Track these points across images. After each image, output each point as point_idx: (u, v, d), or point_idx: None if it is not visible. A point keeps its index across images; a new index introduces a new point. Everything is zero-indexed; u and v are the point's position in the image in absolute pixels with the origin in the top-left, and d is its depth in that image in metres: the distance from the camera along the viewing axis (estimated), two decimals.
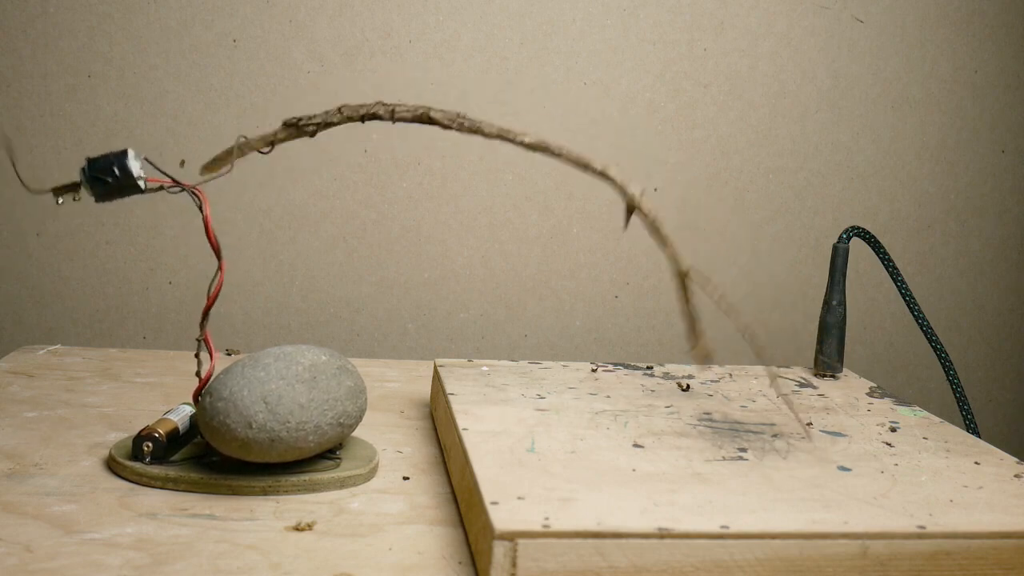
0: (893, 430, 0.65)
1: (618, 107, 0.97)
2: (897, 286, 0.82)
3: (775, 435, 0.62)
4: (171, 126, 0.91)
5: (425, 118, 0.57)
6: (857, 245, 0.87)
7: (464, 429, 0.59)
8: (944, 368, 0.81)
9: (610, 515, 0.48)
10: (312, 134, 0.57)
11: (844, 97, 1.00)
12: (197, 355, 0.57)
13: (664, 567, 0.46)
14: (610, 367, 0.77)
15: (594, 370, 0.75)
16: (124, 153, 0.53)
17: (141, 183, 0.54)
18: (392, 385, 0.79)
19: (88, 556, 0.47)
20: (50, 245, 0.92)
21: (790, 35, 0.98)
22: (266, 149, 0.57)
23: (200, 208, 0.55)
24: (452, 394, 0.66)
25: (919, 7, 1.00)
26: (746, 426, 0.63)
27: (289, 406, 0.55)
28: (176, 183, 0.55)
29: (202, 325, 0.56)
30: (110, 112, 0.90)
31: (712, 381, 0.74)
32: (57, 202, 0.55)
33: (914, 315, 0.82)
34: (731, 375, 0.77)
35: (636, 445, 0.58)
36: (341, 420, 0.57)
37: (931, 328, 0.82)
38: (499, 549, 0.45)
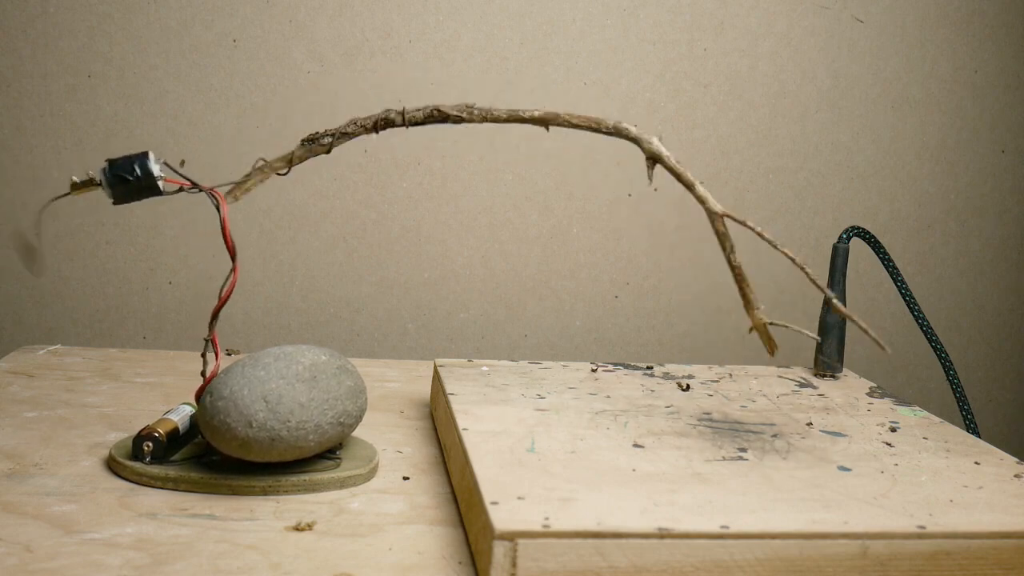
0: (893, 430, 0.65)
1: (618, 107, 0.97)
2: (897, 286, 0.82)
3: (775, 435, 0.62)
4: (171, 126, 0.91)
5: (436, 115, 0.58)
6: (857, 245, 0.87)
7: (464, 429, 0.59)
8: (944, 368, 0.81)
9: (610, 515, 0.48)
10: (328, 149, 0.58)
11: (844, 97, 1.00)
12: (204, 354, 0.57)
13: (664, 567, 0.46)
14: (610, 367, 0.77)
15: (594, 370, 0.75)
16: (145, 155, 0.54)
17: (161, 184, 0.54)
18: (392, 385, 0.79)
19: (88, 556, 0.47)
20: (50, 245, 0.92)
21: (790, 35, 0.98)
22: (284, 170, 0.58)
23: (218, 209, 0.55)
24: (452, 394, 0.66)
25: (919, 7, 1.00)
26: (746, 426, 0.63)
27: (289, 405, 0.55)
28: (195, 185, 0.55)
29: (211, 325, 0.56)
30: (110, 112, 0.90)
31: (712, 381, 0.74)
32: (73, 184, 0.55)
33: (914, 315, 0.82)
34: (731, 375, 0.77)
35: (636, 445, 0.58)
36: (341, 420, 0.57)
37: (931, 328, 0.82)
38: (499, 549, 0.45)
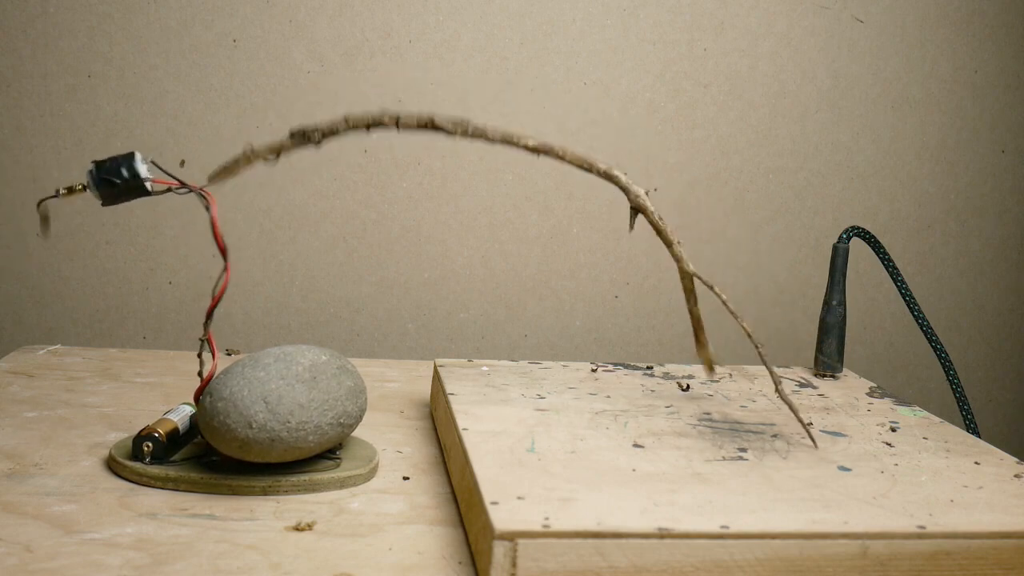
0: (893, 430, 0.65)
1: (618, 107, 0.97)
2: (897, 286, 0.82)
3: (775, 435, 0.62)
4: (171, 126, 0.91)
5: (430, 125, 0.57)
6: (857, 245, 0.87)
7: (464, 429, 0.59)
8: (944, 368, 0.81)
9: (610, 515, 0.48)
10: (318, 143, 0.58)
11: (844, 97, 1.00)
12: (200, 355, 0.57)
13: (664, 567, 0.46)
14: (610, 367, 0.77)
15: (594, 370, 0.75)
16: (131, 155, 0.54)
17: (148, 185, 0.54)
18: (392, 385, 0.79)
19: (88, 556, 0.47)
20: (50, 245, 0.92)
21: (790, 35, 0.98)
22: (272, 158, 0.57)
23: (208, 209, 0.55)
24: (452, 394, 0.66)
25: (919, 7, 1.00)
26: (746, 426, 0.63)
27: (289, 406, 0.55)
28: (183, 184, 0.55)
29: (206, 325, 0.56)
30: (110, 112, 0.90)
31: (712, 381, 0.74)
32: (57, 193, 0.55)
33: (914, 315, 0.82)
34: (731, 375, 0.77)
35: (636, 445, 0.58)
36: (341, 420, 0.57)
37: (931, 328, 0.82)
38: (499, 549, 0.45)
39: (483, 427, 0.60)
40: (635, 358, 1.01)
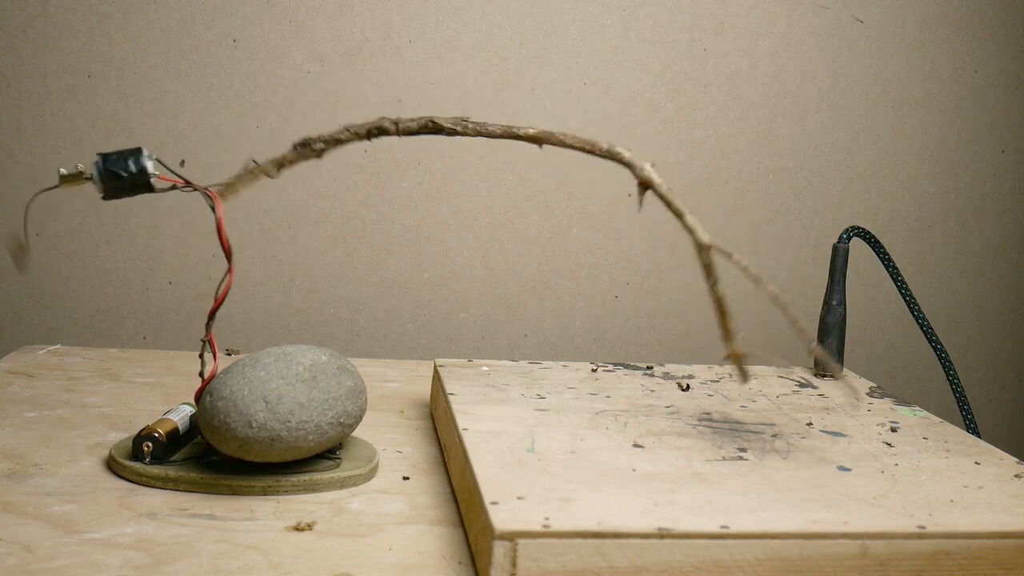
0: (893, 430, 0.65)
1: (618, 107, 0.97)
2: (897, 286, 0.82)
3: (775, 435, 0.62)
4: (171, 126, 0.91)
5: (430, 126, 0.58)
6: (857, 245, 0.87)
7: (464, 429, 0.59)
8: (944, 368, 0.81)
9: (610, 515, 0.48)
10: (320, 154, 0.58)
11: (844, 97, 1.00)
12: (201, 355, 0.57)
13: (664, 567, 0.46)
14: (610, 367, 0.77)
15: (594, 370, 0.75)
16: (138, 150, 0.53)
17: (154, 181, 0.54)
18: (392, 385, 0.79)
19: (88, 556, 0.47)
20: (50, 245, 0.92)
21: (790, 35, 0.98)
22: (275, 173, 0.57)
23: (213, 209, 0.55)
24: (452, 394, 0.66)
25: (919, 7, 1.00)
26: (746, 426, 0.63)
27: (289, 406, 0.55)
28: (188, 183, 0.55)
29: (208, 326, 0.56)
30: (110, 112, 0.90)
31: (712, 381, 0.74)
32: (59, 179, 0.54)
33: (914, 315, 0.82)
34: (731, 375, 0.77)
35: (636, 445, 0.58)
36: (341, 420, 0.57)
37: (931, 328, 0.82)
38: (499, 549, 0.45)
39: (483, 427, 0.60)
40: (635, 358, 1.01)
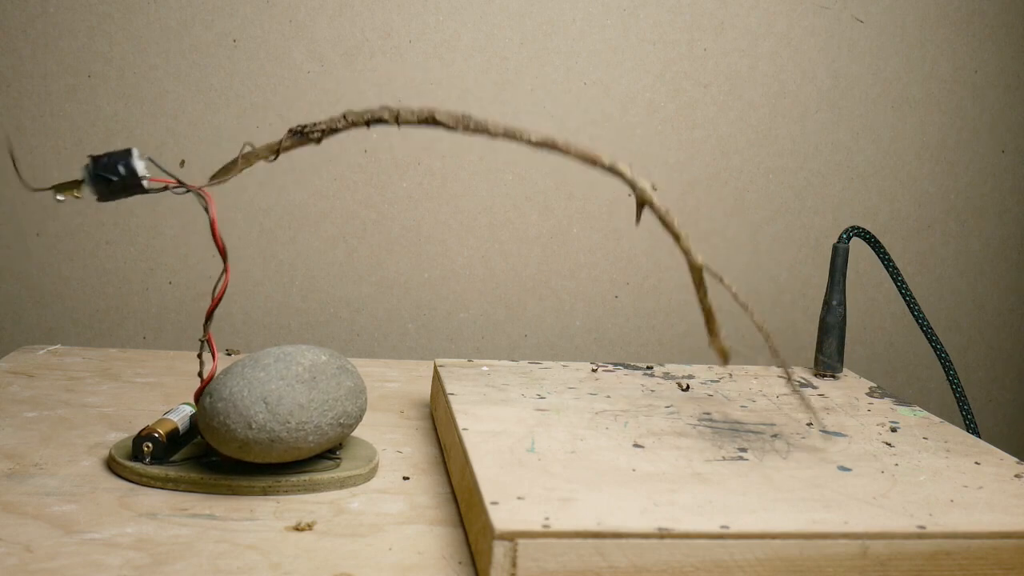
0: (893, 430, 0.65)
1: (618, 107, 0.97)
2: (897, 286, 0.82)
3: (775, 435, 0.62)
4: (171, 126, 0.91)
5: (430, 120, 0.57)
6: (857, 245, 0.87)
7: (464, 429, 0.59)
8: (944, 368, 0.81)
9: (610, 515, 0.48)
10: (318, 141, 0.57)
11: (844, 97, 1.00)
12: (200, 355, 0.57)
13: (664, 567, 0.46)
14: (610, 367, 0.77)
15: (594, 370, 0.75)
16: (128, 152, 0.53)
17: (145, 183, 0.54)
18: (392, 385, 0.79)
19: (88, 556, 0.47)
20: (50, 245, 0.92)
21: (790, 35, 0.98)
22: (271, 158, 0.57)
23: (206, 210, 0.55)
24: (452, 394, 0.66)
25: (919, 7, 1.00)
26: (746, 426, 0.63)
27: (289, 406, 0.55)
28: (181, 184, 0.54)
29: (206, 326, 0.56)
30: (110, 112, 0.90)
31: (712, 381, 0.74)
32: (56, 199, 0.54)
33: (914, 315, 0.82)
34: (731, 375, 0.77)
35: (636, 445, 0.58)
36: (341, 420, 0.57)
37: (931, 328, 0.82)
38: (499, 549, 0.45)
39: (483, 427, 0.60)
40: (635, 358, 1.01)
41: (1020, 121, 1.04)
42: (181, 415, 0.60)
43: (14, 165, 0.55)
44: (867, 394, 0.74)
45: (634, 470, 0.54)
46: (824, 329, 0.79)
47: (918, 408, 0.71)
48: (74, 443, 0.62)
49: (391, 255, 0.96)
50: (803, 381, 0.77)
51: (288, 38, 0.91)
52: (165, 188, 0.54)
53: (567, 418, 0.63)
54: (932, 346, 0.81)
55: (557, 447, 0.57)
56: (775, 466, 0.56)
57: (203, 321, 0.56)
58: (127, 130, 0.91)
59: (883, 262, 0.81)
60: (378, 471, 0.60)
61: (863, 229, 0.80)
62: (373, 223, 0.95)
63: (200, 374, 0.57)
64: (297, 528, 0.51)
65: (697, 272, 0.60)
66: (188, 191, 0.55)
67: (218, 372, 0.57)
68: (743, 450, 0.59)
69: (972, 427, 0.80)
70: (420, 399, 0.76)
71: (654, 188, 0.59)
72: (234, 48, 0.91)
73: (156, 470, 0.56)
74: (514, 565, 0.45)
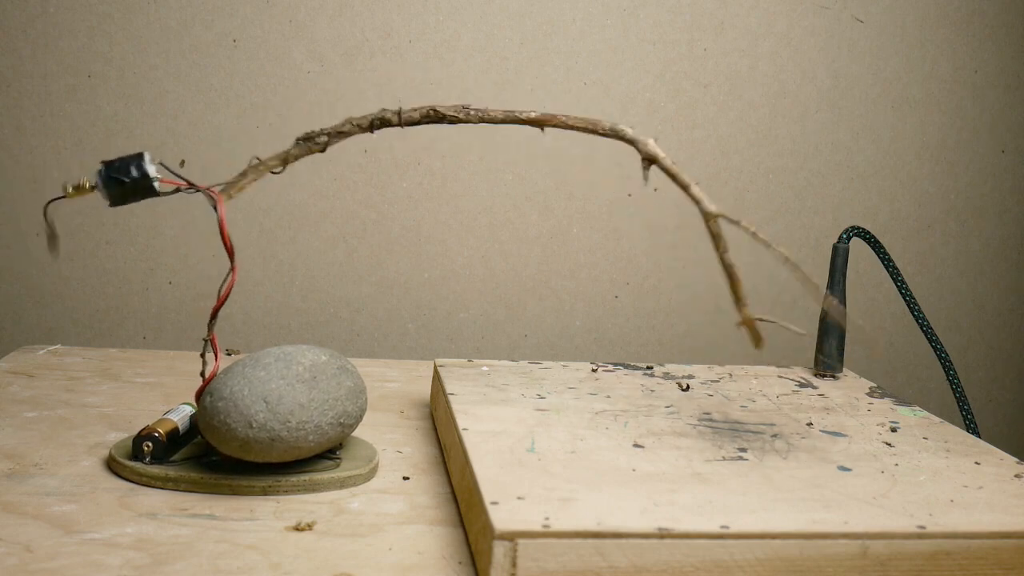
0: (893, 430, 0.65)
1: (618, 107, 0.97)
2: (897, 286, 0.82)
3: (775, 435, 0.62)
4: (171, 126, 0.91)
5: (433, 115, 0.58)
6: (857, 245, 0.86)
7: (464, 429, 0.59)
8: (944, 368, 0.81)
9: (610, 515, 0.48)
10: (324, 148, 0.58)
11: (844, 97, 1.00)
12: (203, 355, 0.57)
13: (664, 567, 0.46)
14: (610, 367, 0.77)
15: (594, 370, 0.75)
16: (140, 156, 0.54)
17: (157, 185, 0.54)
18: (392, 385, 0.79)
19: (88, 556, 0.47)
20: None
21: (790, 35, 0.98)
22: (279, 168, 0.57)
23: (215, 209, 0.55)
24: (452, 394, 0.66)
25: (919, 7, 1.00)
26: (746, 426, 0.63)
27: (289, 406, 0.55)
28: (191, 185, 0.55)
29: (210, 326, 0.56)
30: (110, 112, 0.90)
31: (712, 381, 0.74)
32: (64, 192, 0.54)
33: (914, 315, 0.82)
34: (731, 375, 0.77)
35: (636, 445, 0.58)
36: (341, 420, 0.57)
37: (931, 328, 0.82)
38: (499, 549, 0.45)
39: (483, 427, 0.60)
40: (635, 358, 1.01)
41: (1020, 121, 1.04)
42: (181, 415, 0.60)
43: (49, 231, 0.56)
44: (867, 394, 0.74)
45: (634, 470, 0.54)
46: (824, 329, 0.79)
47: (918, 408, 0.71)
48: (74, 443, 0.62)
49: (391, 255, 0.96)
50: (803, 381, 0.77)
51: (288, 38, 0.91)
52: (177, 190, 0.55)
53: (567, 418, 0.63)
54: (932, 346, 0.81)
55: (557, 447, 0.57)
56: (775, 466, 0.56)
57: (207, 320, 0.56)
58: (127, 130, 0.91)
59: (883, 262, 0.81)
60: (378, 471, 0.60)
61: (863, 229, 0.80)
62: (373, 223, 0.95)
63: (202, 373, 0.57)
64: (297, 528, 0.51)
65: (713, 222, 0.59)
66: (198, 192, 0.55)
67: (219, 372, 0.57)
68: (743, 450, 0.59)
69: (972, 427, 0.80)
70: (420, 399, 0.76)
71: (658, 140, 0.60)
72: (234, 48, 0.91)
73: (156, 470, 0.56)
74: (514, 565, 0.45)
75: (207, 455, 0.58)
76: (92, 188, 0.54)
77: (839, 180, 1.02)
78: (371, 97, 0.93)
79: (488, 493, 0.49)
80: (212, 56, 0.91)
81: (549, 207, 0.97)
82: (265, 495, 0.56)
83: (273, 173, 0.58)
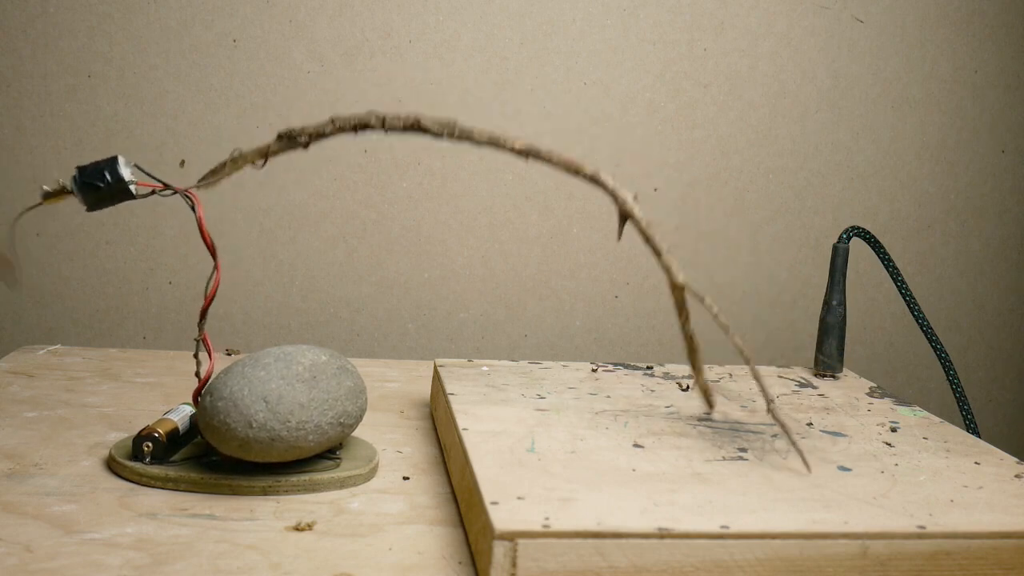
0: (893, 430, 0.65)
1: (618, 107, 0.97)
2: (897, 286, 0.82)
3: (775, 435, 0.62)
4: (171, 126, 0.91)
5: (416, 126, 0.57)
6: (857, 245, 0.87)
7: (464, 429, 0.59)
8: (944, 368, 0.81)
9: (610, 515, 0.48)
10: (305, 146, 0.57)
11: (844, 97, 1.00)
12: (196, 355, 0.57)
13: (664, 567, 0.46)
14: (610, 367, 0.77)
15: (594, 370, 0.75)
16: (114, 160, 0.54)
17: (132, 188, 0.54)
18: (392, 385, 0.79)
19: (88, 556, 0.47)
20: (50, 245, 0.92)
21: (790, 35, 0.98)
22: (260, 162, 0.57)
23: (193, 209, 0.55)
24: (452, 394, 0.66)
25: (919, 7, 1.00)
26: (746, 426, 0.63)
27: (289, 406, 0.55)
28: (167, 187, 0.55)
29: (200, 325, 0.56)
30: (110, 112, 0.90)
31: (712, 381, 0.74)
32: (43, 196, 0.55)
33: (914, 315, 0.82)
34: (731, 375, 0.77)
35: (636, 445, 0.58)
36: (341, 420, 0.57)
37: (931, 328, 0.82)
38: (499, 549, 0.45)
39: (483, 427, 0.60)
40: (635, 358, 1.01)
41: (1020, 121, 1.04)
42: (181, 415, 0.60)
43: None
44: (867, 394, 0.74)
45: (634, 470, 0.54)
46: (824, 329, 0.79)
47: (918, 408, 0.71)
48: (74, 443, 0.62)
49: (391, 255, 0.96)
50: (803, 381, 0.77)
51: (288, 38, 0.91)
52: (152, 192, 0.55)
53: (567, 418, 0.63)
54: (932, 346, 0.81)
55: (557, 447, 0.57)
56: (775, 466, 0.56)
57: (197, 321, 0.56)
58: (127, 130, 0.91)
59: (883, 262, 0.81)
60: (378, 471, 0.60)
61: (863, 229, 0.80)
62: (373, 223, 0.95)
63: (197, 374, 0.57)
64: (297, 528, 0.51)
65: (678, 292, 0.59)
66: (175, 193, 0.55)
67: (219, 372, 0.57)
68: (743, 450, 0.59)
69: (972, 427, 0.80)
70: (420, 399, 0.76)
71: (636, 198, 0.59)
72: (234, 48, 0.91)
73: (156, 470, 0.56)
74: (514, 565, 0.45)
75: (207, 455, 0.58)
76: (69, 193, 0.54)
77: (839, 180, 1.02)
78: (371, 97, 0.93)
79: (488, 493, 0.49)
80: (212, 56, 0.91)
81: (549, 207, 0.98)
82: (265, 495, 0.56)
83: (253, 165, 0.57)
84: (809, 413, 0.68)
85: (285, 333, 0.96)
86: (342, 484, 0.57)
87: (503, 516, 0.47)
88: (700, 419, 0.64)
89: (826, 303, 0.79)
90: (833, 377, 0.79)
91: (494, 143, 0.57)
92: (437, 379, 0.71)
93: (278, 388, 0.55)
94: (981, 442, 0.63)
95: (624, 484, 0.52)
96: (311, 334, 0.96)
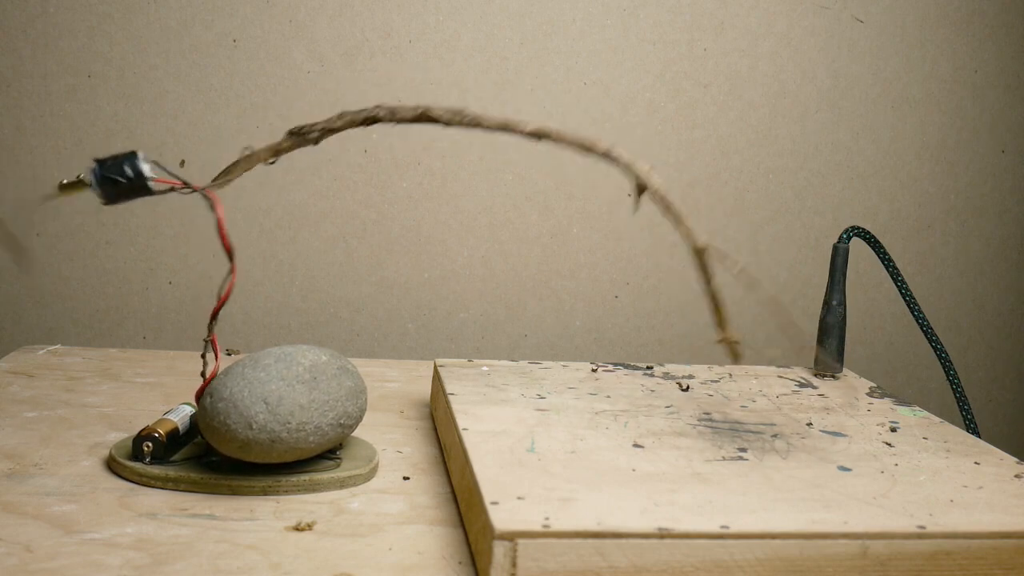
0: (893, 430, 0.65)
1: (618, 107, 0.97)
2: (897, 286, 0.82)
3: (775, 435, 0.62)
4: (171, 126, 0.91)
5: (425, 117, 0.57)
6: (857, 245, 0.87)
7: (464, 429, 0.59)
8: (944, 368, 0.81)
9: (610, 515, 0.48)
10: (316, 141, 0.57)
11: (844, 97, 1.00)
12: (203, 355, 0.57)
13: (664, 567, 0.46)
14: (610, 367, 0.77)
15: (594, 370, 0.75)
16: (134, 154, 0.53)
17: (151, 184, 0.54)
18: (392, 385, 0.79)
19: (88, 556, 0.47)
20: (50, 245, 0.92)
21: (790, 35, 0.98)
22: (271, 160, 0.57)
23: (212, 209, 0.54)
24: (452, 394, 0.66)
25: (919, 7, 1.00)
26: (746, 426, 0.63)
27: (289, 407, 0.55)
28: (187, 185, 0.55)
29: (211, 327, 0.56)
30: (110, 112, 0.90)
31: (712, 381, 0.74)
32: (60, 188, 0.54)
33: (914, 315, 0.82)
34: (731, 375, 0.77)
35: (636, 445, 0.58)
36: (341, 420, 0.57)
37: (931, 328, 0.82)
38: (499, 549, 0.45)
39: (483, 427, 0.60)
40: (635, 358, 1.01)
41: (1020, 121, 1.04)
42: (181, 415, 0.60)
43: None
44: (867, 394, 0.74)
45: (634, 470, 0.54)
46: (824, 329, 0.79)
47: (918, 408, 0.71)
48: (74, 443, 0.62)
49: (391, 255, 0.96)
50: (803, 381, 0.77)
51: (288, 38, 0.91)
52: (171, 189, 0.54)
53: (567, 418, 0.63)
54: (932, 346, 0.81)
55: (557, 447, 0.57)
56: (775, 466, 0.56)
57: (208, 321, 0.56)
58: (127, 130, 0.91)
59: (883, 262, 0.81)
60: (378, 471, 0.60)
61: (863, 229, 0.80)
62: (373, 223, 0.95)
63: (203, 373, 0.57)
64: (297, 528, 0.51)
65: (700, 255, 0.59)
66: (193, 192, 0.55)
67: (219, 372, 0.57)
68: (743, 450, 0.59)
69: (972, 427, 0.80)
70: (420, 399, 0.76)
71: (652, 169, 0.59)
72: (234, 48, 0.91)
73: (156, 470, 0.56)
74: (514, 565, 0.45)
75: (207, 455, 0.58)
76: (87, 185, 0.54)
77: (839, 180, 1.02)
78: (371, 97, 0.93)
79: (488, 493, 0.49)
80: (212, 56, 0.91)
81: (549, 207, 0.98)
82: (265, 495, 0.56)
83: (265, 163, 0.57)
84: (809, 413, 0.68)
85: (285, 333, 0.96)
86: (342, 484, 0.57)
87: (503, 516, 0.47)
88: (700, 419, 0.64)
89: (826, 303, 0.79)
90: (833, 377, 0.79)
91: (505, 127, 0.57)
92: (437, 379, 0.71)
93: (278, 389, 0.55)
94: (981, 442, 0.63)
95: (624, 484, 0.52)
96: (311, 334, 0.96)
